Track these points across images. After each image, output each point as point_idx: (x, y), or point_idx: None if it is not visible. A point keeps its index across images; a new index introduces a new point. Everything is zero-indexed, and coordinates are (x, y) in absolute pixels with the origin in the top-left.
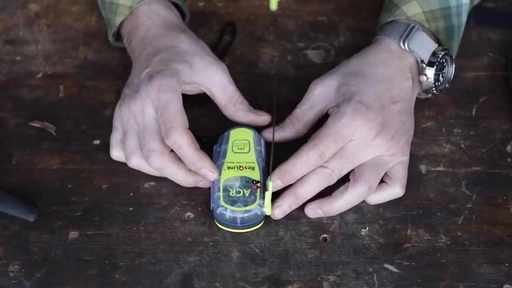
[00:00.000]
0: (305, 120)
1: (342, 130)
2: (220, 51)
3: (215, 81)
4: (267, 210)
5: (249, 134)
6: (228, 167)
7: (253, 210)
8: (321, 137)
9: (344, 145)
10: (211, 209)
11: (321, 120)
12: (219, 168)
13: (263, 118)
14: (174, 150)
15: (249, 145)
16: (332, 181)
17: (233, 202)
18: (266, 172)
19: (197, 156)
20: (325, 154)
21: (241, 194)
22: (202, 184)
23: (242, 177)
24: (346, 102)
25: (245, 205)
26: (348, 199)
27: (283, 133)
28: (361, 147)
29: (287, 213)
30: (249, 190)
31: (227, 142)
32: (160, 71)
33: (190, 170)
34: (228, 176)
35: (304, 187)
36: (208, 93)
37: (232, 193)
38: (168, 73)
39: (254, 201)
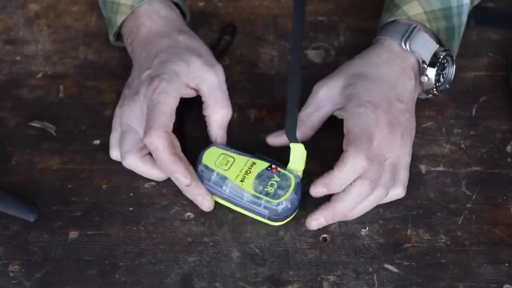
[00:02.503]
0: (311, 122)
1: (367, 129)
2: (220, 51)
3: (206, 80)
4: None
5: (216, 150)
6: (241, 181)
7: (295, 187)
8: (357, 140)
9: (371, 150)
10: (269, 219)
11: (325, 123)
12: (236, 190)
13: (219, 142)
14: (151, 151)
15: (228, 155)
16: (372, 191)
17: (278, 195)
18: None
19: (171, 160)
20: (368, 155)
21: (275, 184)
22: (177, 176)
23: (258, 176)
24: (356, 103)
25: (286, 190)
26: (366, 203)
27: None
28: (382, 147)
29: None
30: (275, 176)
31: (211, 170)
32: (160, 74)
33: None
34: (249, 185)
35: (356, 207)
36: (198, 90)
37: (271, 190)
38: (167, 77)
39: (289, 179)
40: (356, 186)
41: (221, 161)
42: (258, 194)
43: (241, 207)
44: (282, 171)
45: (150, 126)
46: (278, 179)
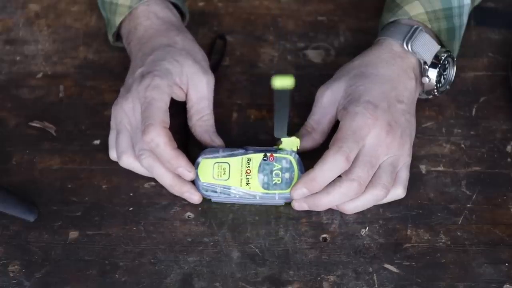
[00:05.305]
0: (321, 129)
1: (359, 130)
2: (211, 66)
3: (196, 89)
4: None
5: (207, 162)
6: (247, 184)
7: (298, 165)
8: (342, 140)
9: (362, 150)
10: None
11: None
12: (245, 194)
13: (216, 144)
14: (152, 149)
15: (221, 162)
16: (361, 191)
17: (287, 182)
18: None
19: (173, 155)
20: (350, 156)
21: (280, 172)
22: (187, 196)
23: (260, 171)
24: (355, 103)
25: (292, 173)
26: (364, 202)
27: (301, 143)
28: (377, 148)
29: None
30: (274, 164)
31: (213, 186)
32: (152, 71)
33: (179, 176)
34: (257, 185)
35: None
36: (186, 94)
37: (278, 180)
38: (159, 74)
39: (288, 160)
40: (343, 186)
41: (218, 172)
42: (269, 191)
43: (255, 204)
44: (278, 155)
45: (148, 124)
46: (279, 165)
